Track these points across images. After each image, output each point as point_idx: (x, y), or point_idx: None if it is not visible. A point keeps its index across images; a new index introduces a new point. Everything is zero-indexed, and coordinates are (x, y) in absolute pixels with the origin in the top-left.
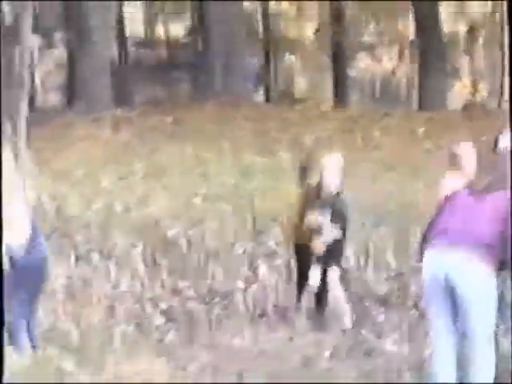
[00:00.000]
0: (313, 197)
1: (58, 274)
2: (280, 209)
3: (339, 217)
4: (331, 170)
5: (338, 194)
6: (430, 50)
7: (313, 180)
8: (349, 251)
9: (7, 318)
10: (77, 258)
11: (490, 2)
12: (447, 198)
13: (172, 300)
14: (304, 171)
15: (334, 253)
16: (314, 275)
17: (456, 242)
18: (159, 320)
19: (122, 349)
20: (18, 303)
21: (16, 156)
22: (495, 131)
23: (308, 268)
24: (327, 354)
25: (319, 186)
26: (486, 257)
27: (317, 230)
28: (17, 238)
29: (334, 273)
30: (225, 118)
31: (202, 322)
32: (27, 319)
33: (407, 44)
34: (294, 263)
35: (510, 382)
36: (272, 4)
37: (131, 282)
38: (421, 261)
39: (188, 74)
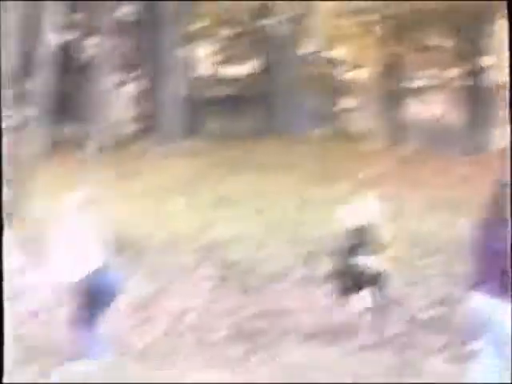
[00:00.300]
0: (356, 238)
1: (126, 290)
2: (335, 237)
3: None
4: (372, 212)
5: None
6: (477, 95)
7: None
8: (399, 279)
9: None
10: (148, 275)
11: None
12: (472, 239)
13: (234, 316)
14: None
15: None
16: (359, 298)
17: (484, 284)
18: (221, 334)
19: (185, 359)
20: (87, 318)
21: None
22: None
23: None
24: (377, 372)
25: (362, 228)
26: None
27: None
28: (89, 265)
29: (365, 295)
30: (287, 153)
31: (261, 338)
32: (96, 330)
33: (456, 89)
34: (344, 287)
35: (510, 382)
36: (332, 49)
37: (197, 299)
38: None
39: (253, 111)
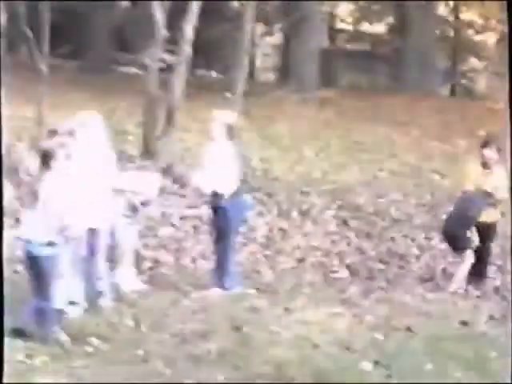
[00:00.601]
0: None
1: (260, 225)
2: (454, 188)
3: None
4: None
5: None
6: None
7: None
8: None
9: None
10: (278, 213)
11: None
12: None
13: (356, 257)
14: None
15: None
16: (470, 251)
17: None
18: (343, 273)
19: (308, 294)
20: (223, 245)
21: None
22: None
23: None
24: (484, 319)
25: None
26: None
27: None
28: (225, 189)
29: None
30: (414, 108)
31: (379, 278)
32: (227, 261)
33: None
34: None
35: (510, 382)
36: (462, 13)
37: (322, 239)
38: None
39: (386, 67)
